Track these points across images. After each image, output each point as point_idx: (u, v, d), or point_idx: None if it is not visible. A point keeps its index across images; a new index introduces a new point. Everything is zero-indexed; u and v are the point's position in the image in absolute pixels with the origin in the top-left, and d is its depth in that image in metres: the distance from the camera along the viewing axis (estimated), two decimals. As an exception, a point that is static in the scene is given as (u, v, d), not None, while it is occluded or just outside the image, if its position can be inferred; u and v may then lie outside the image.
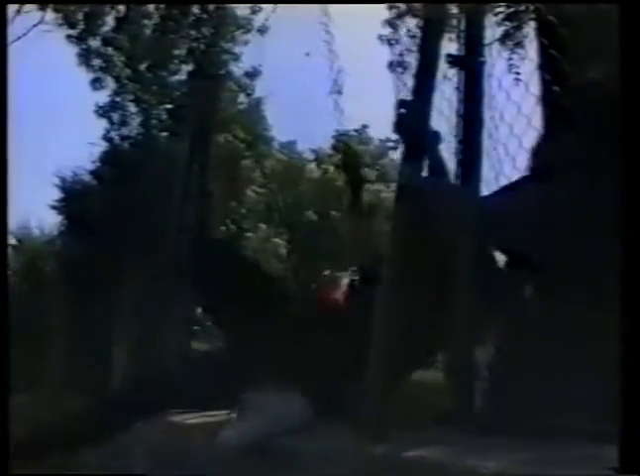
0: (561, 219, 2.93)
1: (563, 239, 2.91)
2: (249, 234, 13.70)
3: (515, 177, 3.34)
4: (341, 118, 4.50)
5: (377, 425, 2.83)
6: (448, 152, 3.52)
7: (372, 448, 2.67)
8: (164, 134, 14.14)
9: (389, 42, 8.41)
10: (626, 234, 1.92)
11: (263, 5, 11.49)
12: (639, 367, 1.83)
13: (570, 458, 2.31)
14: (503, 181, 3.40)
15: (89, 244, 13.32)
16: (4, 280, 2.72)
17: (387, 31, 8.90)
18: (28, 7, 10.89)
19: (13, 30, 9.01)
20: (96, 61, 13.48)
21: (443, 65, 3.42)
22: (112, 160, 14.15)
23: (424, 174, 3.41)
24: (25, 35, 10.87)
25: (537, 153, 3.28)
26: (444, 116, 3.49)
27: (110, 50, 13.38)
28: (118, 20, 12.89)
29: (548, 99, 3.35)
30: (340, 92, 4.49)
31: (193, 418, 3.79)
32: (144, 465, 3.66)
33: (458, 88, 3.49)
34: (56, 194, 15.44)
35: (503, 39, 8.29)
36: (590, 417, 2.65)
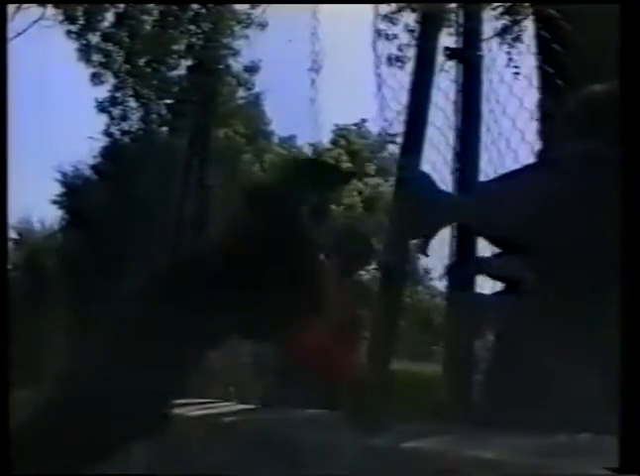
0: (563, 213, 2.94)
1: (564, 232, 2.92)
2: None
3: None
4: (316, 97, 4.46)
5: (374, 416, 2.85)
6: (446, 145, 3.53)
7: (369, 440, 2.68)
8: (164, 129, 14.16)
9: (387, 36, 8.43)
10: (626, 232, 1.93)
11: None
12: (639, 366, 1.83)
13: (570, 450, 2.33)
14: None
15: (90, 238, 13.33)
16: (4, 280, 2.72)
17: (385, 25, 8.92)
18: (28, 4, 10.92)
19: (14, 26, 9.04)
20: (96, 57, 13.52)
21: (440, 58, 3.43)
22: (112, 154, 14.16)
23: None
24: (25, 31, 10.89)
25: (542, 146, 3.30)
26: (441, 109, 3.50)
27: (110, 45, 13.40)
28: (118, 15, 12.91)
29: (548, 93, 3.36)
30: (318, 71, 4.46)
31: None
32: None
33: (456, 81, 3.51)
34: (57, 189, 15.49)
35: (502, 32, 8.32)
36: (591, 410, 2.66)
